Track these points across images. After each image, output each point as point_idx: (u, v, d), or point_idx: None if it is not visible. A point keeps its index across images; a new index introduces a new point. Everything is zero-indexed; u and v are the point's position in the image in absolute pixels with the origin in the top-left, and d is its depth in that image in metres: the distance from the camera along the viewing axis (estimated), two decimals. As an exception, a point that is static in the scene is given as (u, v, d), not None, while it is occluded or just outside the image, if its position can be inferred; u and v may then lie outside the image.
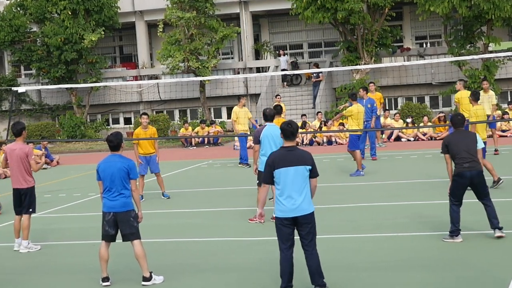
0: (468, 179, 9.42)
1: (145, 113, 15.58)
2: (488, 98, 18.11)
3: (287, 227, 7.43)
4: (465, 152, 9.49)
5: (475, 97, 14.50)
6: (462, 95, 17.51)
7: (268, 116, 11.66)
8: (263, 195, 7.84)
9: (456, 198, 9.49)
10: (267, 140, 11.27)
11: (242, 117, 19.89)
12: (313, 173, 7.52)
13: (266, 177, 7.55)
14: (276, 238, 7.55)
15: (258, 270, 8.75)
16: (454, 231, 9.46)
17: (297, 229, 7.47)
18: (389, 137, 25.50)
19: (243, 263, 9.22)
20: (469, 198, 9.67)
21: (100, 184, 8.49)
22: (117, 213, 8.30)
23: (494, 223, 9.51)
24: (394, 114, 26.40)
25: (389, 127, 24.98)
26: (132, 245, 8.38)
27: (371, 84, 22.13)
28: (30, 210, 10.63)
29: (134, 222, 8.37)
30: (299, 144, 24.01)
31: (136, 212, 8.49)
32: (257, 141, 11.51)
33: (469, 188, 9.62)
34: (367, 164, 18.23)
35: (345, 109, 18.44)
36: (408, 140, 25.22)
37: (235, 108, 20.07)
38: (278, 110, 12.94)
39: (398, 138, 25.49)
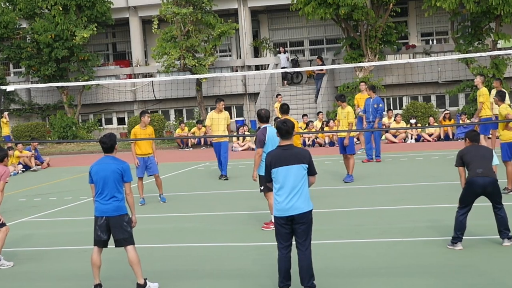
0: (481, 186, 9.30)
1: (147, 111, 15.26)
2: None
3: (283, 226, 7.62)
4: (480, 159, 9.42)
5: (501, 97, 13.99)
6: (484, 92, 17.00)
7: (264, 117, 11.61)
8: (272, 199, 7.89)
9: (464, 203, 9.45)
10: (270, 143, 11.18)
11: (216, 124, 17.60)
12: (311, 171, 7.66)
13: (267, 177, 7.78)
14: (274, 242, 7.62)
15: (257, 276, 8.75)
16: (455, 239, 9.45)
17: (293, 227, 7.59)
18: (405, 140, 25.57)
19: (242, 269, 9.21)
20: (478, 202, 9.64)
21: (93, 187, 8.47)
22: (109, 217, 8.28)
23: (503, 234, 9.47)
24: (396, 115, 26.30)
25: (391, 128, 24.98)
26: (126, 251, 8.37)
27: (362, 84, 22.12)
28: None
29: (127, 227, 8.35)
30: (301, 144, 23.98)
31: (130, 216, 8.48)
32: (261, 144, 11.24)
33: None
34: (372, 166, 18.26)
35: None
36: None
37: (210, 114, 17.90)
38: (285, 109, 12.98)
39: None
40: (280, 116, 13.58)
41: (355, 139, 24.52)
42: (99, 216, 8.34)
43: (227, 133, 17.94)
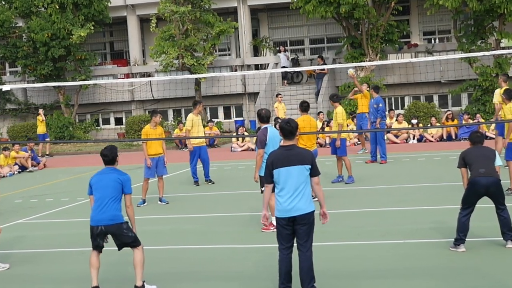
0: (483, 186, 9.31)
1: (157, 111, 15.46)
2: None
3: (284, 227, 7.64)
4: (482, 160, 9.44)
5: (509, 96, 13.88)
6: (501, 92, 16.93)
7: (264, 118, 11.65)
8: (266, 196, 7.88)
9: (467, 204, 9.46)
10: (271, 144, 11.20)
11: (196, 125, 17.49)
12: (314, 172, 7.66)
13: (267, 177, 7.75)
14: (275, 244, 7.64)
15: (257, 278, 8.76)
16: (458, 240, 9.47)
17: (294, 228, 7.61)
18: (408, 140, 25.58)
19: (242, 271, 9.23)
20: (481, 203, 9.66)
21: (91, 199, 8.47)
22: (107, 226, 8.26)
23: (507, 236, 9.48)
24: (397, 115, 26.26)
25: (393, 128, 24.99)
26: (133, 251, 8.38)
27: (364, 85, 22.12)
28: None
29: (128, 232, 8.33)
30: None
31: (128, 223, 8.45)
32: (263, 145, 11.28)
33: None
34: (373, 167, 18.26)
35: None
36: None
37: (191, 116, 17.63)
38: (305, 107, 12.97)
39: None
40: (300, 114, 13.85)
41: (355, 140, 24.65)
42: (94, 226, 8.31)
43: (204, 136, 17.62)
